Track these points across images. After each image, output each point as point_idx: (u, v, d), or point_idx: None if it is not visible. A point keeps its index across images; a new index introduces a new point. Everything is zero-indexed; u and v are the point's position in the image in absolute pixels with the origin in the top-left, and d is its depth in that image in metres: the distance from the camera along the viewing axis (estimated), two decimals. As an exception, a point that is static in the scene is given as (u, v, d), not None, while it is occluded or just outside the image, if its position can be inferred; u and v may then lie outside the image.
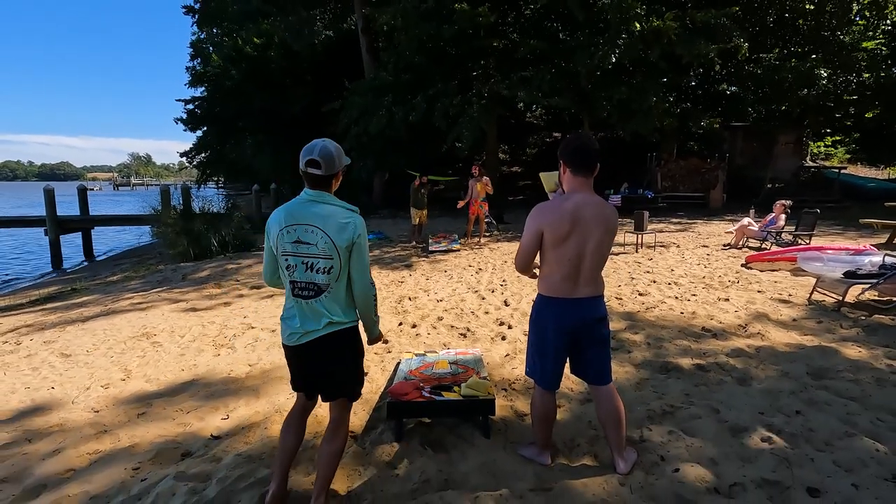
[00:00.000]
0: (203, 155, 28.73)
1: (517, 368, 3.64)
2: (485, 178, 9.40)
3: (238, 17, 21.95)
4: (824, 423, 2.65)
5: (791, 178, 17.25)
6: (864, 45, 15.73)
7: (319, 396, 2.23)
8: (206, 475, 2.44)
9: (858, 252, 6.36)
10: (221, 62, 21.07)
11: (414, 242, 10.20)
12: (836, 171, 16.92)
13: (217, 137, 24.51)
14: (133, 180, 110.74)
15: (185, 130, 26.21)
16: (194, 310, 5.86)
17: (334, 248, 1.97)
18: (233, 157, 25.16)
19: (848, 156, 24.28)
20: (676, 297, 5.42)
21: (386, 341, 4.34)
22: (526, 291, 5.91)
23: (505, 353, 3.95)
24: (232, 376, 3.76)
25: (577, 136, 2.27)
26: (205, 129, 26.35)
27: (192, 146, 28.43)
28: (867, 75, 15.88)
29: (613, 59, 11.18)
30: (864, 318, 4.47)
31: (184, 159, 26.29)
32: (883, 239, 8.10)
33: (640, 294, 5.63)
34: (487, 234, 10.74)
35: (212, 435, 2.86)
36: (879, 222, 7.94)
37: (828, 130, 22.78)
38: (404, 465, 2.46)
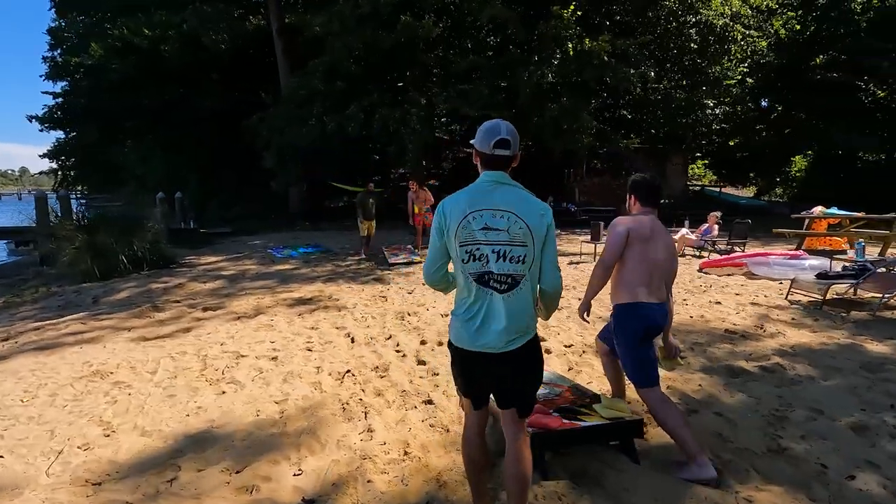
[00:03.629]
0: (65, 158, 24.75)
1: (592, 384, 3.40)
2: (422, 192, 9.92)
3: (112, 7, 19.24)
4: (926, 415, 2.80)
5: (681, 194, 19.48)
6: (727, 81, 18.32)
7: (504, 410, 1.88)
8: (338, 556, 1.85)
9: (795, 257, 7.21)
10: (103, 53, 18.17)
11: (363, 255, 9.55)
12: (717, 189, 19.43)
13: (93, 138, 21.15)
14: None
15: (41, 131, 22.17)
16: (145, 339, 4.76)
17: (530, 235, 1.72)
18: (108, 161, 21.92)
19: (714, 177, 28.19)
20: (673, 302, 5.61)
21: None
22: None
23: (567, 368, 3.70)
24: (262, 418, 3.02)
25: (646, 176, 2.63)
26: (73, 128, 22.69)
27: (51, 147, 24.37)
28: (739, 108, 18.51)
29: (550, 77, 11.68)
30: (843, 314, 4.97)
31: (54, 163, 22.41)
32: (793, 246, 9.30)
33: (636, 301, 5.74)
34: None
35: (303, 499, 2.21)
36: (791, 231, 9.15)
37: (699, 154, 26.34)
38: (574, 507, 2.09)
